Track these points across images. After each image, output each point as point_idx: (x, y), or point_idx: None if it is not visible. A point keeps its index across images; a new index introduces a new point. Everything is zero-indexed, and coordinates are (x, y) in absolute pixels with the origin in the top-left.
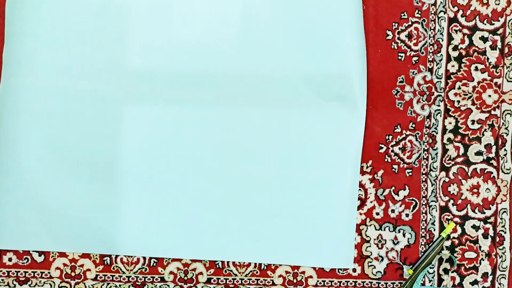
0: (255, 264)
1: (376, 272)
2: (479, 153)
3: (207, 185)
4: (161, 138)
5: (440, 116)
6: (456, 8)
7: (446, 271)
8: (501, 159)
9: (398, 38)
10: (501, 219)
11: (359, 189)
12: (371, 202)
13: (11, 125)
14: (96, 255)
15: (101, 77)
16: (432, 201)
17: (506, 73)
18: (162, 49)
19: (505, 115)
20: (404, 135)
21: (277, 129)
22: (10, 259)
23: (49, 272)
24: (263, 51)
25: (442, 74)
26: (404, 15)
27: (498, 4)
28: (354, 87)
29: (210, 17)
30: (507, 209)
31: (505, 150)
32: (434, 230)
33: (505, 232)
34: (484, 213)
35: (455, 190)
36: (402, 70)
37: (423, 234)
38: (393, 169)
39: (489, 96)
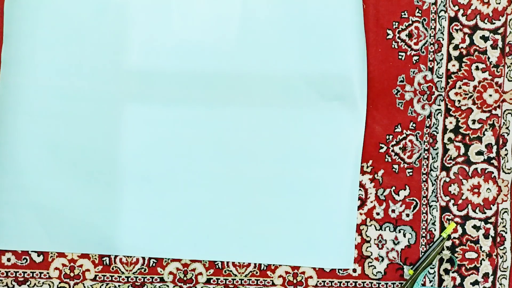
0: (255, 264)
1: (377, 273)
2: (480, 153)
3: (207, 185)
4: (160, 138)
5: (441, 115)
6: (456, 7)
7: (446, 271)
8: (502, 159)
9: (399, 38)
10: (502, 219)
11: (360, 189)
12: (372, 202)
13: (10, 125)
14: (95, 255)
15: (100, 77)
16: (432, 201)
17: (507, 73)
18: (162, 49)
19: (506, 114)
20: (404, 135)
21: (277, 129)
22: (8, 260)
23: (48, 273)
24: (263, 51)
25: (442, 73)
26: (405, 14)
27: (499, 3)
28: (354, 86)
29: (210, 16)
30: (508, 209)
31: (506, 150)
32: (435, 230)
33: (506, 232)
34: (485, 213)
35: (456, 190)
36: (403, 70)
37: (423, 234)
38: (394, 169)
39: (490, 95)
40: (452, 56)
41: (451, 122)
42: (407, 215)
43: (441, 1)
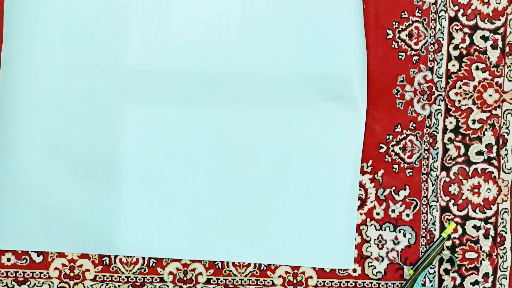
0: (255, 264)
1: (377, 273)
2: (480, 152)
3: (207, 185)
4: (160, 138)
5: (441, 115)
6: (456, 7)
7: (446, 271)
8: (502, 159)
9: (399, 37)
10: (502, 219)
11: (360, 189)
12: (372, 202)
13: (10, 125)
14: (95, 255)
15: (100, 76)
16: (432, 201)
17: (507, 73)
18: (161, 48)
19: (506, 114)
20: (404, 135)
21: (277, 129)
22: (8, 260)
23: (47, 273)
24: (263, 51)
25: (442, 73)
26: (405, 14)
27: (499, 3)
28: (354, 86)
29: (210, 16)
30: (508, 209)
31: (506, 149)
32: (435, 230)
33: (506, 232)
34: (485, 213)
35: (456, 190)
36: (403, 70)
37: (423, 234)
38: (394, 169)
39: (490, 95)
40: (452, 56)
41: (451, 122)
42: (407, 215)
43: (441, 1)
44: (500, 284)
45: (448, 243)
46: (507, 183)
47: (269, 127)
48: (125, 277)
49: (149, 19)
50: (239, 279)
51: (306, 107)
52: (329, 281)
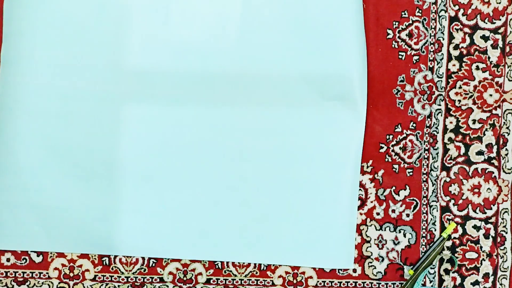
0: (255, 264)
1: (377, 273)
2: (480, 152)
3: (207, 185)
4: (160, 138)
5: (441, 115)
6: (457, 7)
7: (447, 271)
8: (502, 159)
9: (399, 37)
10: (503, 219)
11: (360, 189)
12: (372, 202)
13: (10, 125)
14: (95, 256)
15: (100, 76)
16: (433, 201)
17: (508, 72)
18: (161, 49)
19: (506, 114)
20: (404, 135)
21: (277, 129)
22: (8, 260)
23: (47, 273)
24: (263, 51)
25: (443, 73)
26: (405, 14)
27: (499, 3)
28: (355, 86)
29: (210, 16)
30: (508, 209)
31: (506, 149)
32: (435, 230)
33: (506, 233)
34: (485, 213)
35: (456, 190)
36: (403, 69)
37: (423, 234)
38: (394, 169)
39: (490, 95)
40: (453, 55)
41: (451, 122)
42: (407, 215)
43: (442, 1)
44: (501, 284)
45: (448, 243)
46: (508, 183)
47: (269, 127)
48: (125, 277)
49: (149, 19)
50: (239, 279)
51: (306, 107)
52: (329, 281)
